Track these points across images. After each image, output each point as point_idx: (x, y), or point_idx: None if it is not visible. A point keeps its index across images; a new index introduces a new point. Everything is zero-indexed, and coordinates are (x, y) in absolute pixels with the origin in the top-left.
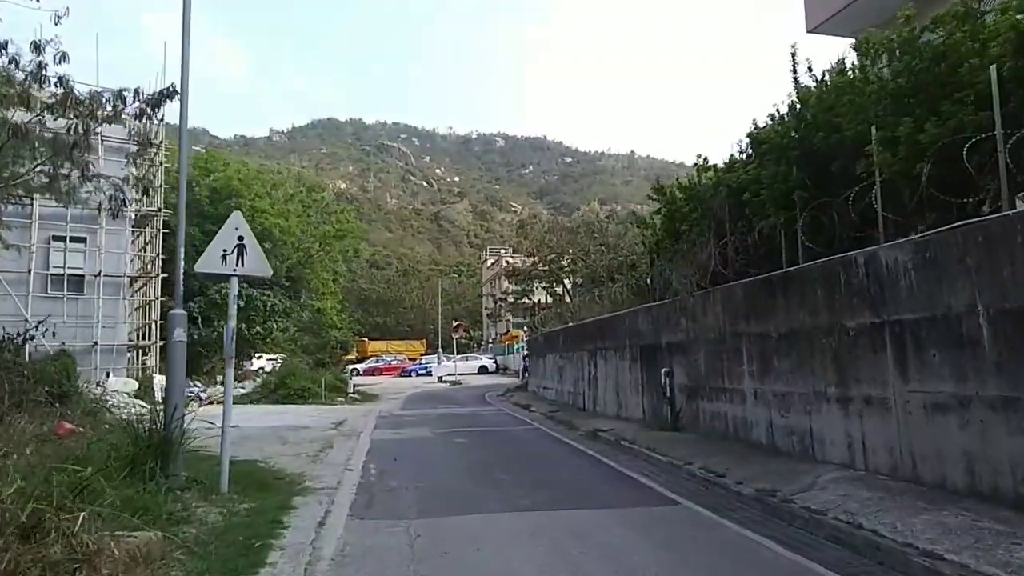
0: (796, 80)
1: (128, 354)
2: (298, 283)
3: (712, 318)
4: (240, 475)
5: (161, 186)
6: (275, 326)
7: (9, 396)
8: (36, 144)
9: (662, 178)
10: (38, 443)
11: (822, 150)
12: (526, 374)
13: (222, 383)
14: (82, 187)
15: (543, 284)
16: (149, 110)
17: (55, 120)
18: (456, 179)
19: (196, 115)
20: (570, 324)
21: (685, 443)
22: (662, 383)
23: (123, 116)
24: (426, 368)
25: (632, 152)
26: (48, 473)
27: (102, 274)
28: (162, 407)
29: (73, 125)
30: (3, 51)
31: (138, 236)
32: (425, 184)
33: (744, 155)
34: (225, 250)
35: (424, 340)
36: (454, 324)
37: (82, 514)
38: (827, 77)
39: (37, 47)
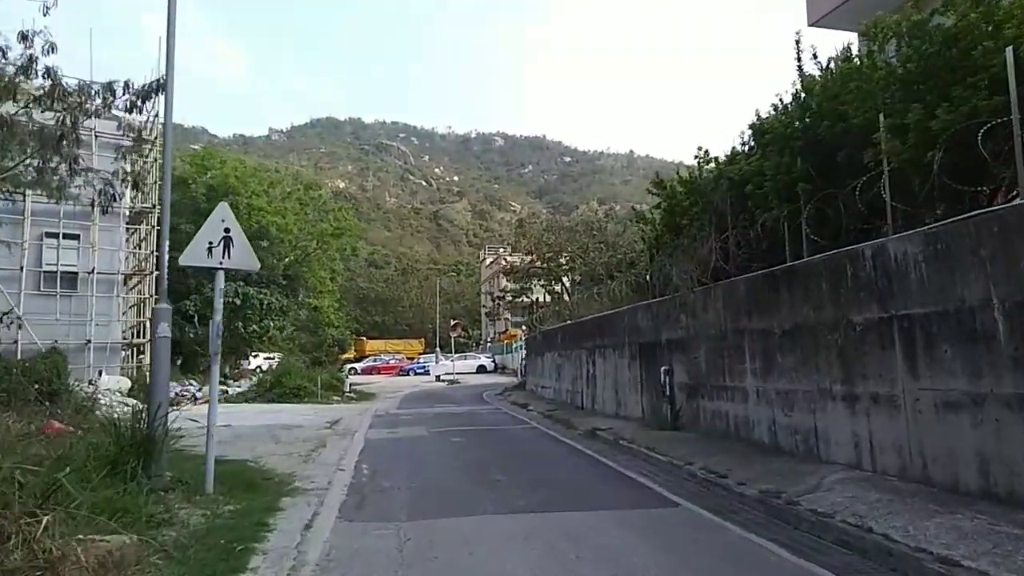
0: (800, 69)
1: (122, 352)
2: (295, 281)
3: (713, 314)
4: (228, 475)
5: (155, 182)
6: (272, 324)
7: None
8: (25, 136)
9: (661, 177)
10: (24, 442)
11: (827, 140)
12: (524, 373)
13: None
14: (71, 181)
15: (541, 282)
16: (139, 103)
17: (42, 112)
18: (455, 178)
19: (195, 114)
20: (568, 322)
21: (685, 442)
22: (662, 381)
23: (113, 109)
24: (424, 367)
25: (631, 152)
26: (10, 474)
27: (96, 271)
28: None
29: (61, 117)
30: None
31: (133, 233)
32: (424, 183)
33: (746, 147)
34: (211, 242)
35: (422, 339)
36: (452, 323)
37: (45, 518)
38: (832, 65)
39: (25, 38)
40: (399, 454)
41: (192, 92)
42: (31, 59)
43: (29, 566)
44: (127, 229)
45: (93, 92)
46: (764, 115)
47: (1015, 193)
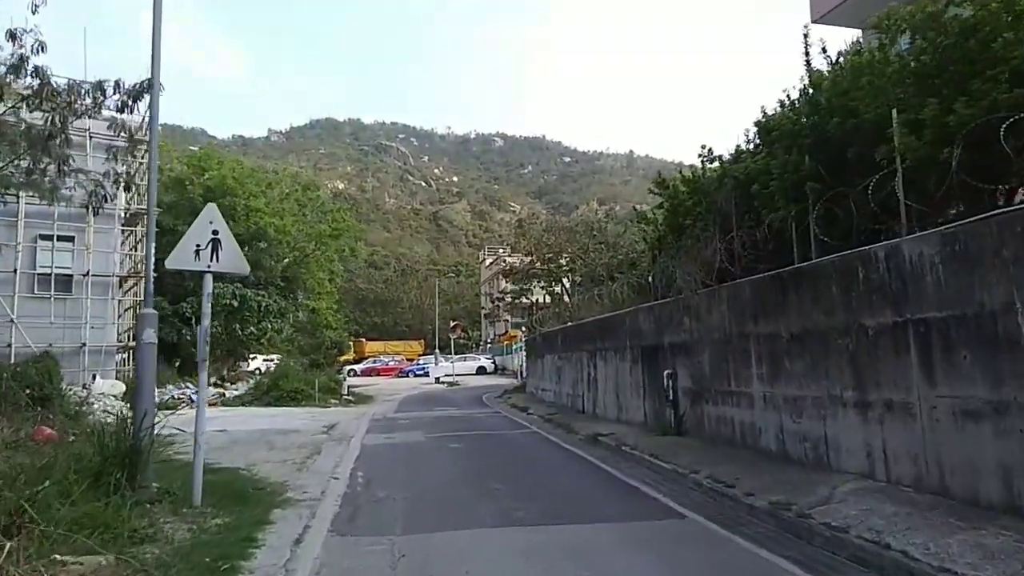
0: (808, 64)
1: (117, 356)
2: (294, 283)
3: (718, 317)
4: (218, 485)
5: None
6: (270, 326)
7: None
8: (16, 137)
9: (663, 176)
10: (11, 450)
11: (837, 137)
12: (524, 375)
13: (214, 385)
14: (61, 181)
15: (541, 284)
16: (130, 102)
17: (31, 112)
18: (455, 179)
19: (194, 115)
20: (569, 324)
21: (689, 449)
22: (664, 385)
23: (104, 109)
24: (424, 369)
25: (631, 152)
26: None
27: (90, 274)
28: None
29: (50, 117)
30: None
31: (128, 235)
32: (423, 184)
33: (751, 145)
34: (198, 245)
35: (422, 340)
36: (452, 324)
37: (8, 544)
38: (842, 60)
39: (14, 36)
40: (396, 461)
41: (191, 93)
42: (22, 59)
43: None
44: (123, 231)
45: (83, 91)
46: (771, 112)
47: None
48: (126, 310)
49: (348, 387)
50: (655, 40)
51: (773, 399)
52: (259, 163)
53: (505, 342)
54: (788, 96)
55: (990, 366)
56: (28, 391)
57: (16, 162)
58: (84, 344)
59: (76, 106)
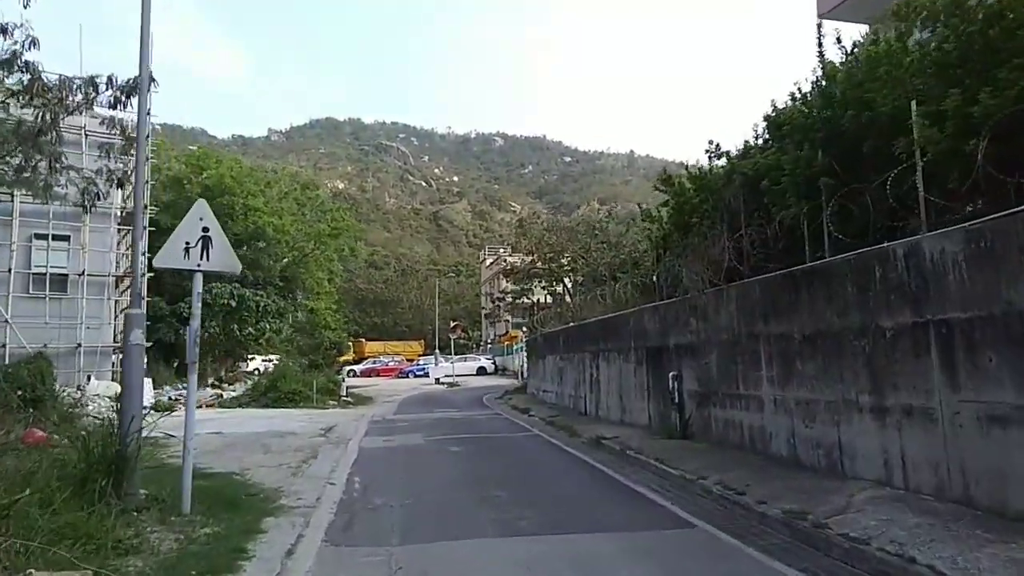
0: (822, 55)
1: (113, 356)
2: (292, 283)
3: (726, 318)
4: (210, 491)
5: (146, 182)
6: (268, 327)
7: None
8: (7, 134)
9: (668, 173)
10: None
11: (851, 130)
12: (525, 376)
13: (210, 386)
14: (53, 179)
15: (542, 283)
16: (123, 98)
17: (20, 108)
18: (455, 179)
19: (194, 115)
20: (571, 324)
21: (696, 454)
22: (670, 387)
23: (96, 106)
24: (424, 369)
25: (631, 152)
26: None
27: (86, 273)
28: (154, 412)
29: (40, 113)
30: None
31: (125, 235)
32: (424, 184)
33: (761, 140)
34: (188, 243)
35: (422, 340)
36: (452, 324)
37: None
38: (856, 51)
39: (4, 31)
40: (394, 465)
41: (191, 93)
42: (14, 54)
43: None
44: (119, 230)
45: (75, 87)
46: (781, 106)
47: None
48: (122, 310)
49: (347, 388)
50: (655, 40)
51: (784, 402)
52: (259, 163)
53: (506, 342)
54: (799, 89)
55: (1019, 368)
56: (20, 392)
57: (7, 159)
58: (79, 345)
59: (67, 102)
